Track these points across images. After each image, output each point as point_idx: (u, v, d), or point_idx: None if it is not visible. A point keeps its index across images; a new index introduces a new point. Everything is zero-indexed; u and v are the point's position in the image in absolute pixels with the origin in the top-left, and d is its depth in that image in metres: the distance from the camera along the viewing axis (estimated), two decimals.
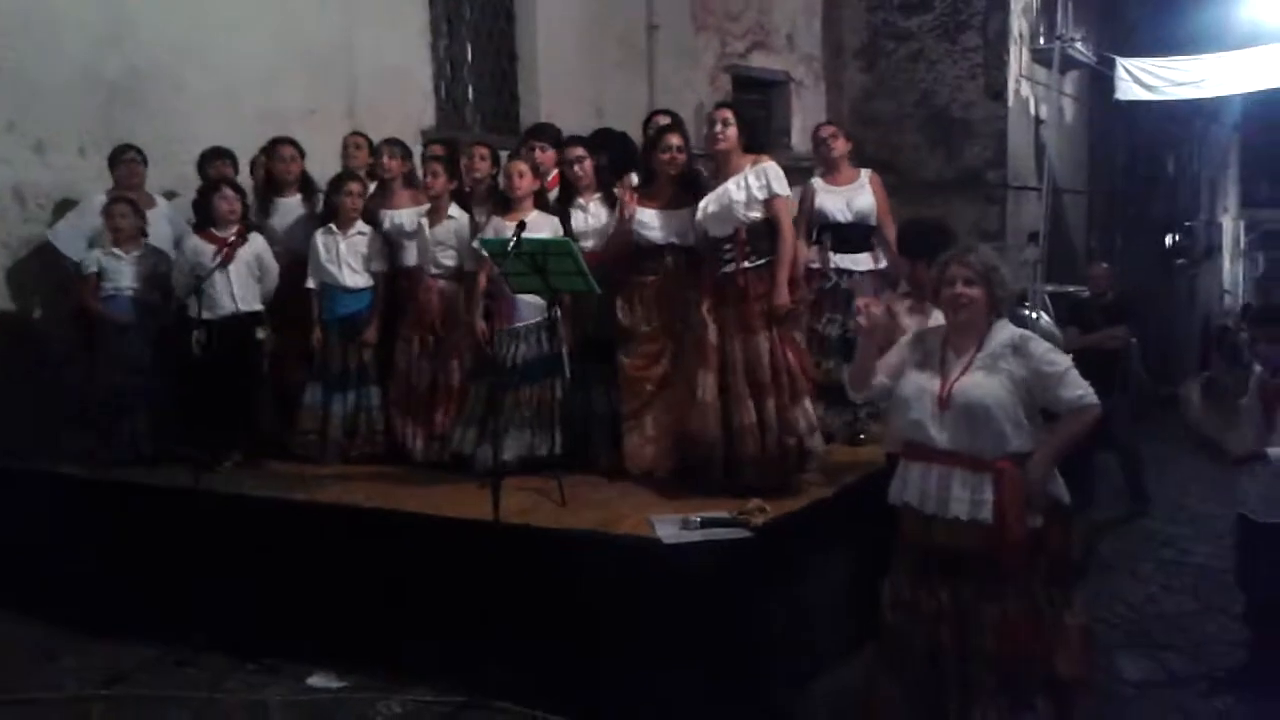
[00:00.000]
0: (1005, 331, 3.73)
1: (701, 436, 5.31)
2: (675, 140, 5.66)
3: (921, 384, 3.78)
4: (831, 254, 6.45)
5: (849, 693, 4.73)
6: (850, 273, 6.40)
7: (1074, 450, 3.74)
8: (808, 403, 5.33)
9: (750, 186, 5.26)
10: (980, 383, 3.65)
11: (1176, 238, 19.25)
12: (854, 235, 6.41)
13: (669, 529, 4.66)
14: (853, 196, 6.45)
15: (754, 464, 5.23)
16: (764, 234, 5.30)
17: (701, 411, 5.29)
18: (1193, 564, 7.11)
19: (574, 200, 5.94)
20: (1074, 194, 15.00)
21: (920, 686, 3.79)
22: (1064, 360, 3.68)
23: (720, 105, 5.80)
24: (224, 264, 6.10)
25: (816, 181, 6.59)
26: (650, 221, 5.61)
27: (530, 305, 5.69)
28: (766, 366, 5.23)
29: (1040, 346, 3.69)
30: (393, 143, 6.60)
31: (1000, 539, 3.58)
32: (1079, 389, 3.62)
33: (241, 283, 6.21)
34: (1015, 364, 3.65)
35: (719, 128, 5.37)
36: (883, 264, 6.39)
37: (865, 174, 6.58)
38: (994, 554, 3.61)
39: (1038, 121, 13.78)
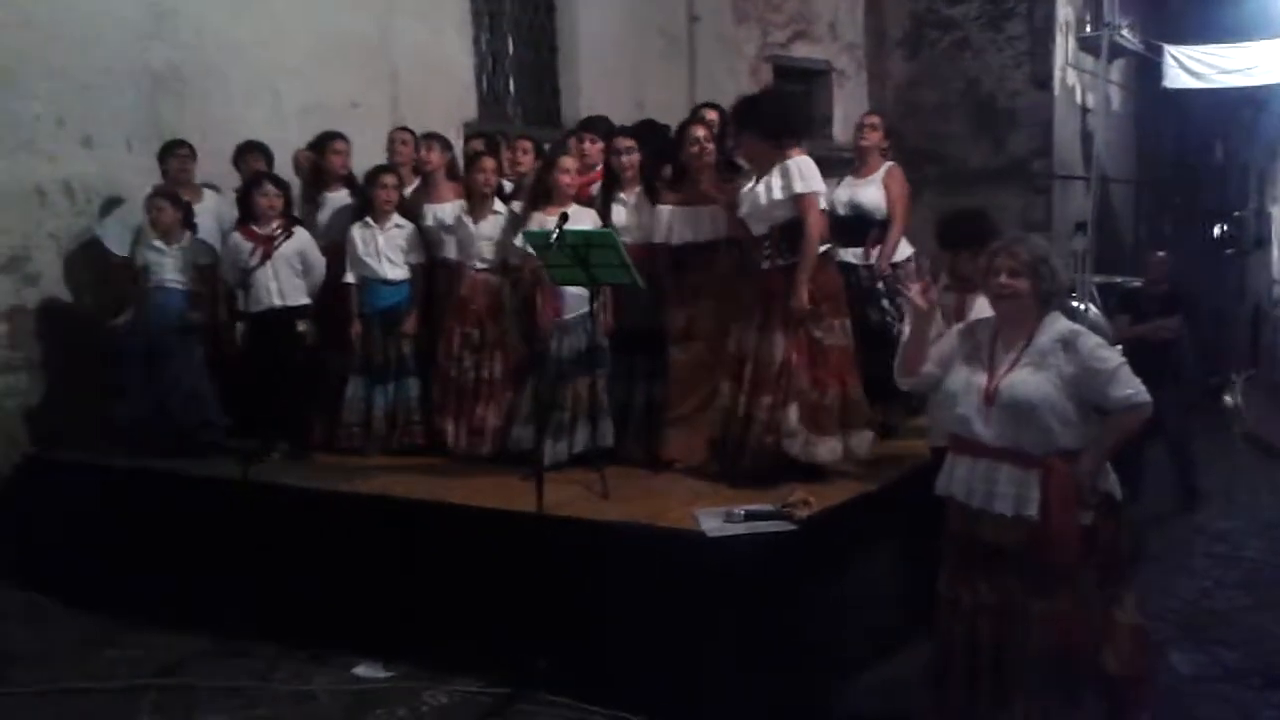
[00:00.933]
0: (1056, 326, 3.65)
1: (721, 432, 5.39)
2: (699, 133, 5.64)
3: (968, 378, 3.73)
4: (835, 247, 6.37)
5: (894, 686, 4.72)
6: (854, 267, 6.24)
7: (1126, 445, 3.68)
8: (794, 409, 5.18)
9: (774, 187, 5.20)
10: (1027, 379, 3.59)
11: (1225, 227, 18.96)
12: (848, 228, 6.27)
13: (712, 521, 4.64)
14: (857, 190, 6.35)
15: (740, 453, 5.26)
16: (794, 233, 5.23)
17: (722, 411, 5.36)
18: (1245, 558, 7.00)
19: (615, 193, 5.92)
20: (1121, 183, 14.83)
21: (963, 681, 3.74)
22: (1115, 357, 3.61)
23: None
24: (263, 260, 6.13)
25: (849, 176, 6.51)
26: (678, 218, 5.59)
27: (576, 297, 5.69)
28: (775, 365, 5.20)
29: (1090, 342, 3.60)
30: (433, 136, 6.62)
31: (1047, 536, 3.54)
32: (1129, 387, 3.53)
33: (283, 278, 6.24)
34: (1064, 360, 3.57)
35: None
36: (904, 254, 6.30)
37: (885, 168, 6.42)
38: (1041, 551, 3.56)
39: (1084, 110, 13.62)
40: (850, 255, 6.25)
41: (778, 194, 5.18)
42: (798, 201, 5.18)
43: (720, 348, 5.53)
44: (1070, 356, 3.57)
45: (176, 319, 6.38)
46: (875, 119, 6.66)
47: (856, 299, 6.12)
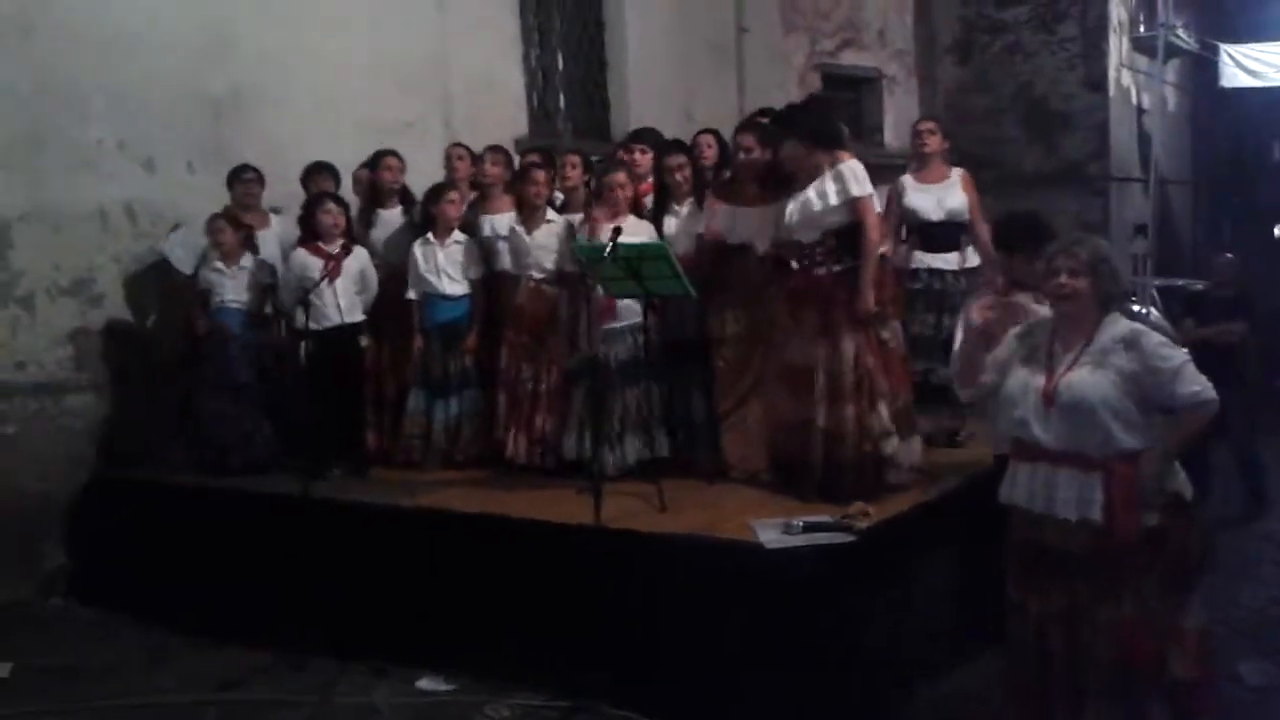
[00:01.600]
0: (1117, 326, 3.60)
1: (787, 447, 5.34)
2: (746, 140, 5.64)
3: (1027, 380, 3.69)
4: (920, 253, 6.36)
5: (955, 699, 4.68)
6: (941, 272, 6.30)
7: (1192, 446, 3.64)
8: (883, 407, 5.19)
9: (828, 193, 5.18)
10: (1086, 379, 3.54)
11: None
12: (943, 234, 6.31)
13: (771, 533, 4.63)
14: (944, 195, 6.35)
15: (833, 471, 5.18)
16: (850, 237, 5.22)
17: (785, 424, 5.34)
18: None
19: (669, 206, 5.94)
20: (1179, 184, 14.62)
21: (1036, 689, 3.70)
22: (1179, 355, 3.54)
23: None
24: (331, 277, 6.21)
25: (906, 179, 6.50)
26: (732, 222, 5.59)
27: (628, 306, 5.71)
28: (850, 372, 5.17)
29: (1153, 340, 3.55)
30: (495, 149, 6.70)
31: (1110, 540, 3.50)
32: (1195, 384, 3.48)
33: (346, 295, 6.33)
34: (1126, 359, 3.52)
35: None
36: (972, 263, 6.28)
37: (957, 173, 6.48)
38: (1105, 555, 3.52)
39: (1140, 111, 13.44)
40: (940, 261, 6.26)
41: (833, 199, 5.18)
42: (854, 205, 5.17)
43: (752, 349, 5.59)
44: (1133, 355, 3.51)
45: (236, 339, 6.49)
46: (931, 124, 6.67)
47: (943, 303, 6.17)
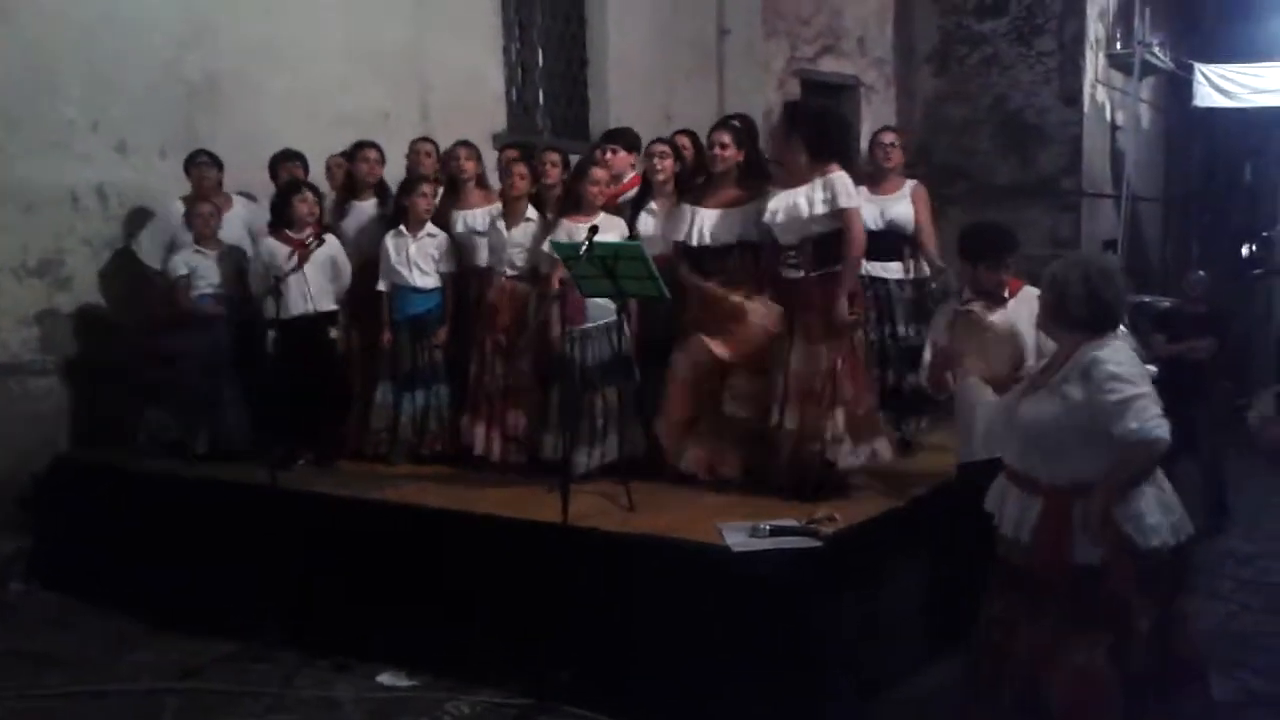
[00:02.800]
0: (1084, 353, 3.46)
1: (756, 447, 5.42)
2: (721, 138, 5.65)
3: (1014, 397, 3.71)
4: (864, 261, 6.39)
5: (922, 703, 4.70)
6: (884, 280, 6.31)
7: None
8: (840, 414, 5.24)
9: (816, 200, 5.24)
10: (1038, 405, 3.52)
11: (1253, 248, 18.82)
12: (884, 243, 6.27)
13: (737, 536, 4.63)
14: (888, 205, 6.36)
15: (800, 470, 5.24)
16: (832, 245, 5.28)
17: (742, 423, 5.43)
18: (1272, 583, 6.92)
19: (647, 202, 5.94)
20: (1150, 202, 14.75)
21: (991, 694, 3.70)
22: (1128, 388, 3.34)
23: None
24: (300, 265, 6.18)
25: (861, 190, 6.49)
26: (708, 222, 5.61)
27: (600, 306, 5.69)
28: (822, 375, 5.22)
29: (1105, 371, 3.37)
30: (467, 144, 6.66)
31: (1036, 564, 3.48)
32: (1135, 421, 3.30)
33: (316, 284, 6.29)
34: (1079, 388, 3.42)
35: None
36: (922, 273, 6.33)
37: (910, 185, 6.49)
38: (1035, 577, 3.49)
39: (1114, 127, 13.56)
40: (880, 269, 6.28)
41: (820, 208, 5.23)
42: (842, 215, 5.24)
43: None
44: (1084, 384, 3.42)
45: (206, 326, 6.47)
46: (893, 136, 6.66)
47: (887, 312, 6.21)
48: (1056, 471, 3.46)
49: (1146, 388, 3.39)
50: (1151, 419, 3.32)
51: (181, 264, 6.52)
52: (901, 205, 6.37)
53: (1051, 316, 3.61)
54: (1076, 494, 3.42)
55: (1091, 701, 3.42)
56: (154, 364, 6.63)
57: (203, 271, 6.49)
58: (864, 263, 6.26)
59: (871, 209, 6.32)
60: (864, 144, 11.94)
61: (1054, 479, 3.47)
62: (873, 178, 6.52)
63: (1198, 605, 3.76)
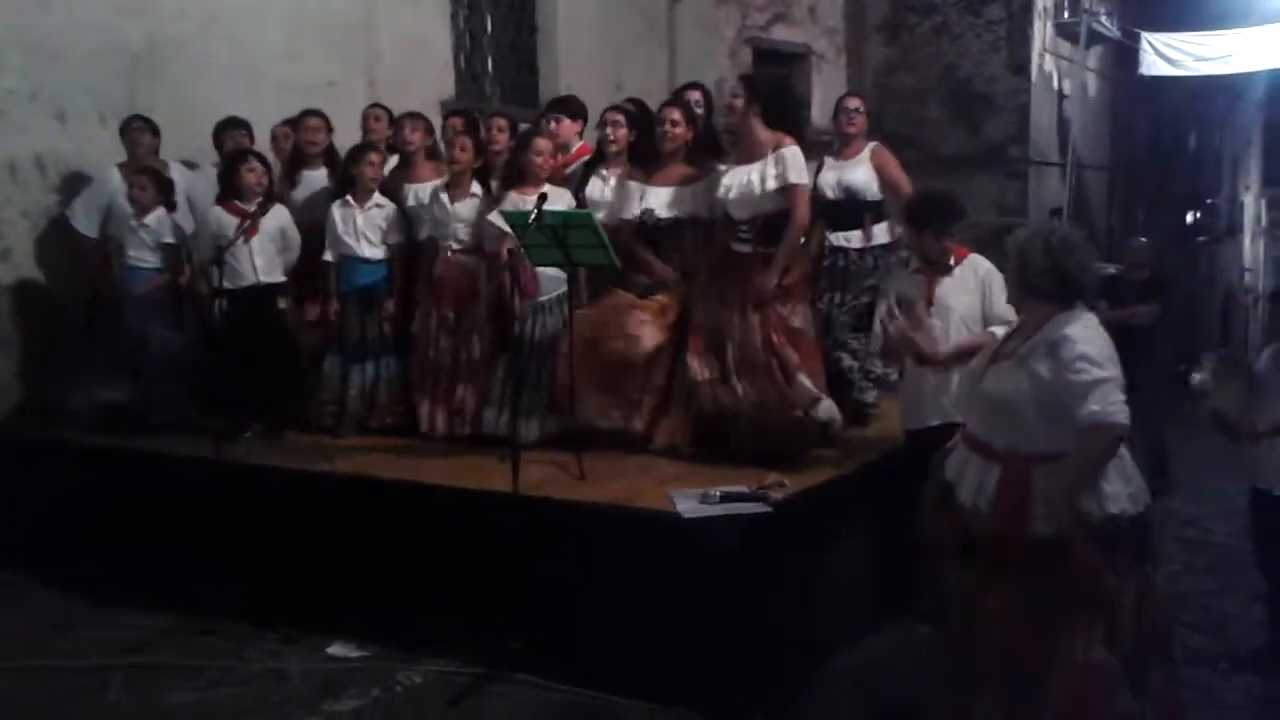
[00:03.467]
0: (1060, 327, 3.41)
1: (710, 412, 5.41)
2: (672, 114, 5.65)
3: (978, 364, 3.72)
4: (826, 232, 6.37)
5: (869, 666, 4.77)
6: (845, 250, 6.25)
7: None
8: (804, 378, 5.28)
9: (768, 176, 5.26)
10: (1003, 375, 3.52)
11: (1198, 214, 19.11)
12: (843, 211, 6.24)
13: (688, 503, 4.65)
14: (845, 172, 6.26)
15: (762, 437, 5.25)
16: (780, 221, 5.30)
17: (704, 388, 5.40)
18: (1214, 543, 7.07)
19: (599, 168, 5.91)
20: (1096, 170, 14.90)
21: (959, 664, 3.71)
22: (1095, 371, 3.30)
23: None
24: (247, 236, 6.09)
25: (828, 158, 6.46)
26: (658, 200, 5.60)
27: (551, 279, 5.68)
28: (759, 346, 5.26)
29: (1073, 351, 3.33)
30: (415, 116, 6.58)
31: (994, 532, 3.47)
32: (1095, 404, 3.26)
33: (264, 254, 6.22)
34: (1046, 364, 3.39)
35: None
36: (880, 240, 6.24)
37: (869, 148, 6.35)
38: (993, 545, 3.48)
39: (1061, 96, 13.66)
40: (842, 239, 6.26)
41: (771, 183, 5.24)
42: (788, 192, 5.25)
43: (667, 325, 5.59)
44: (1051, 362, 3.38)
45: (146, 296, 6.36)
46: (857, 102, 6.53)
47: (847, 281, 6.19)
48: (1017, 441, 3.46)
49: (1114, 371, 3.35)
50: (1113, 404, 3.27)
51: (110, 235, 6.42)
52: (859, 170, 6.26)
53: (1016, 288, 3.60)
54: (1036, 463, 3.41)
55: (1095, 698, 3.38)
56: (89, 336, 6.52)
57: (133, 244, 6.38)
58: (826, 234, 6.29)
59: (829, 176, 6.29)
60: (815, 113, 12.10)
61: (1014, 448, 3.46)
62: (839, 146, 6.45)
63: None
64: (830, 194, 6.24)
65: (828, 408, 5.34)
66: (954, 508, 3.65)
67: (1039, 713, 3.43)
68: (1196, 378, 4.63)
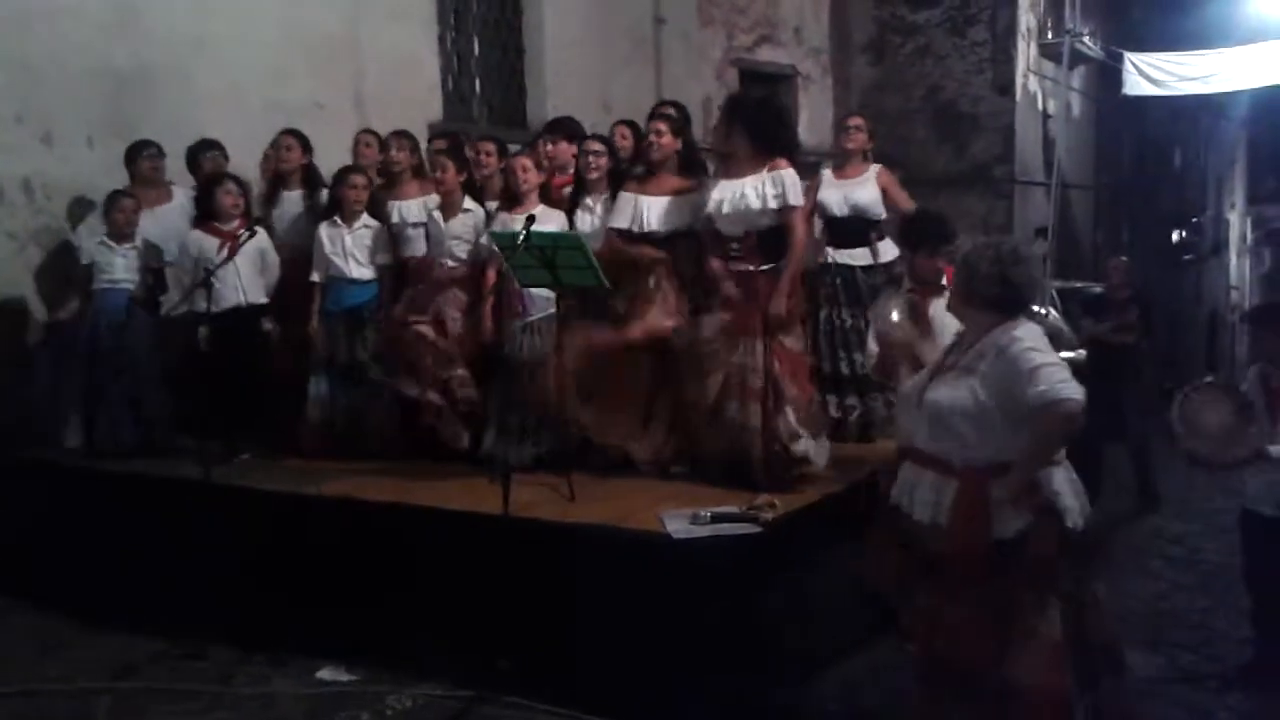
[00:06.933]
0: (1006, 332, 3.45)
1: (704, 437, 5.40)
2: (657, 126, 5.66)
3: (918, 381, 3.70)
4: (830, 248, 6.42)
5: (855, 686, 4.76)
6: (850, 267, 6.34)
7: (1075, 444, 3.51)
8: (790, 412, 5.27)
9: (767, 195, 5.25)
10: (948, 385, 3.51)
11: (1183, 233, 19.20)
12: (850, 229, 6.35)
13: (678, 524, 4.65)
14: (852, 190, 6.37)
15: (743, 464, 5.26)
16: (774, 239, 5.31)
17: (700, 413, 5.37)
18: (1202, 560, 7.09)
19: (582, 199, 5.91)
20: (1081, 189, 14.98)
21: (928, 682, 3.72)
22: (1040, 357, 3.36)
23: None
24: (229, 258, 6.09)
25: (826, 174, 6.55)
26: (653, 210, 5.61)
27: (541, 298, 5.68)
28: (760, 372, 5.25)
29: (1021, 345, 3.39)
30: (401, 134, 6.59)
31: (954, 547, 3.45)
32: (1044, 384, 3.28)
33: (247, 276, 6.24)
34: (994, 365, 3.41)
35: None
36: (886, 257, 6.30)
37: (874, 169, 6.51)
38: (949, 560, 3.47)
39: (1045, 116, 13.75)
40: (846, 256, 6.30)
41: (771, 203, 5.25)
42: (787, 213, 5.27)
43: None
44: (1000, 361, 3.40)
45: (123, 319, 6.35)
46: (859, 120, 6.68)
47: (855, 299, 6.24)
48: (972, 453, 3.44)
49: (1057, 358, 3.40)
50: (1060, 381, 3.30)
51: (86, 255, 6.41)
52: (866, 190, 6.38)
53: (961, 297, 3.61)
54: (993, 473, 3.41)
55: (1064, 676, 3.43)
56: (70, 359, 6.50)
57: (108, 266, 6.37)
58: (830, 250, 6.34)
59: (835, 194, 6.36)
60: (803, 134, 12.15)
61: (969, 459, 3.45)
62: (838, 163, 6.56)
63: (1111, 589, 3.82)
64: (836, 211, 6.32)
65: (804, 445, 5.31)
66: (904, 529, 3.63)
67: (1002, 696, 3.43)
68: (1173, 413, 4.63)
